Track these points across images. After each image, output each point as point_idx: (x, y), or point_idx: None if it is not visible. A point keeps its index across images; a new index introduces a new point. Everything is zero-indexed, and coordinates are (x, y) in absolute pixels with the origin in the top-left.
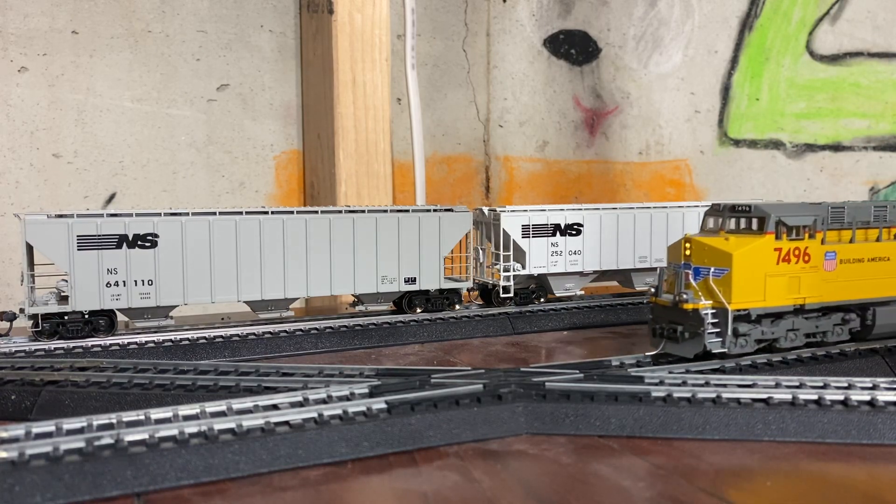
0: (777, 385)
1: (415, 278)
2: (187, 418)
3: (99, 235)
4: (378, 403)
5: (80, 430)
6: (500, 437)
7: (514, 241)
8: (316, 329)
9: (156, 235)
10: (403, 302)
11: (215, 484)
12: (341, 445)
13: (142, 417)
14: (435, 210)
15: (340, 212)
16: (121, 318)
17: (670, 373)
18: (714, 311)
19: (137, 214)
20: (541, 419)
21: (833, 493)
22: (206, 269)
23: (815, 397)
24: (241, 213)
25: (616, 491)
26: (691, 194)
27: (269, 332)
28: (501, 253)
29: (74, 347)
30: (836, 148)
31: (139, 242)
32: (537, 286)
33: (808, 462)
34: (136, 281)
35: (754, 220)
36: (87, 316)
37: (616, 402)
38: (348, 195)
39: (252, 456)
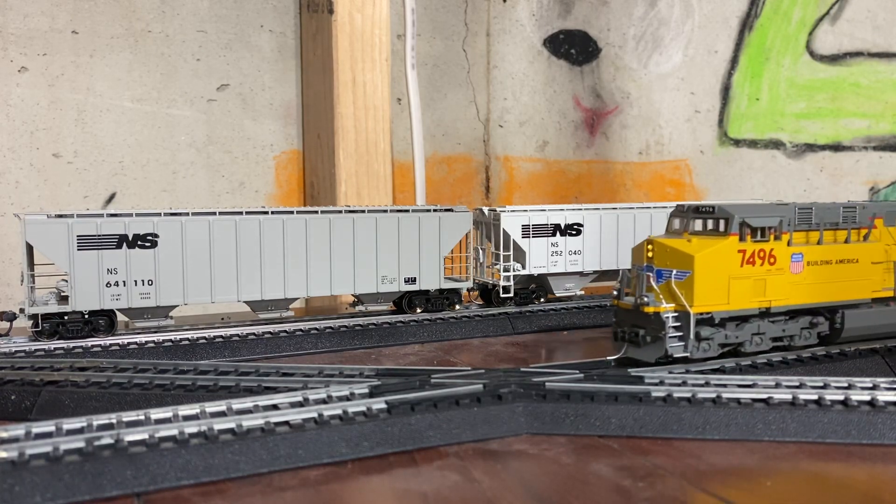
0: (777, 385)
1: (415, 278)
2: (187, 418)
3: (99, 235)
4: (378, 403)
5: (80, 430)
6: (500, 437)
7: (514, 241)
8: (316, 329)
9: (156, 235)
10: (403, 302)
11: (215, 484)
12: (341, 445)
13: (142, 417)
14: (435, 210)
15: (340, 212)
16: (121, 318)
17: (670, 373)
18: (676, 314)
19: (137, 214)
20: (541, 419)
21: (833, 493)
22: (206, 269)
23: (815, 397)
24: (241, 213)
25: (616, 491)
26: (691, 194)
27: (269, 332)
28: (501, 253)
29: (74, 347)
30: (836, 148)
31: (139, 242)
32: (537, 286)
33: (808, 462)
34: (136, 281)
35: (718, 222)
36: (86, 316)
37: (616, 402)
38: (348, 195)
39: (252, 456)
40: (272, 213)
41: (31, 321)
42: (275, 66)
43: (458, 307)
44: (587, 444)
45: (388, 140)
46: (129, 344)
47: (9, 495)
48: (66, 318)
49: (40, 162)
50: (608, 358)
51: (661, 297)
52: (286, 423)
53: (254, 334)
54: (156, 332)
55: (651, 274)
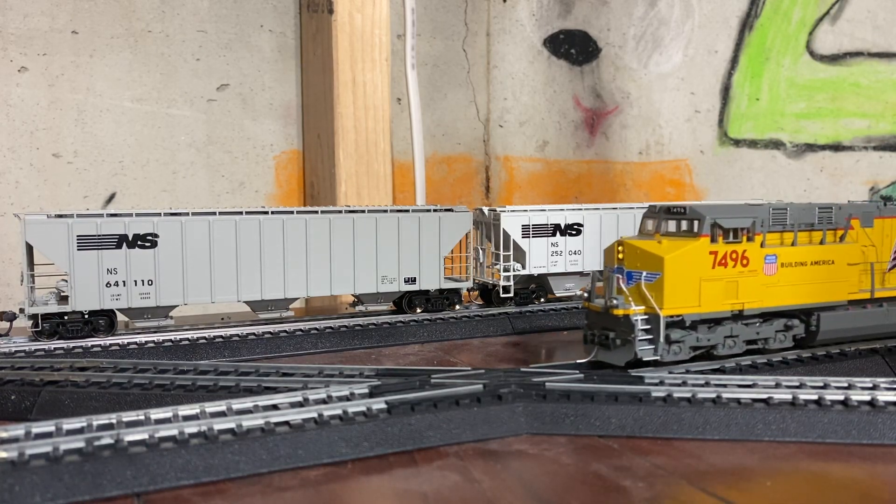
0: (777, 385)
1: (415, 278)
2: (187, 418)
3: (99, 235)
4: (378, 403)
5: (80, 431)
6: (500, 437)
7: (514, 241)
8: (316, 329)
9: (156, 235)
10: (403, 302)
11: (215, 484)
12: (341, 445)
13: (142, 417)
14: (435, 210)
15: (340, 212)
16: (121, 318)
17: (670, 373)
18: (646, 317)
19: (137, 214)
20: (541, 419)
21: (833, 493)
22: (206, 269)
23: (815, 397)
24: (240, 213)
25: (616, 491)
26: (691, 194)
27: (269, 332)
28: (501, 253)
29: (74, 347)
30: (837, 148)
31: (139, 242)
32: (537, 286)
33: (808, 462)
34: (135, 281)
35: (689, 223)
36: (86, 316)
37: (616, 402)
38: (348, 195)
39: (252, 456)
40: (272, 213)
41: (31, 321)
42: (275, 66)
43: (458, 307)
44: (587, 444)
45: (388, 140)
46: (129, 344)
47: (9, 495)
48: (65, 318)
49: (40, 162)
50: (577, 361)
51: (630, 299)
52: (286, 423)
53: (254, 334)
54: (156, 332)
55: (621, 276)
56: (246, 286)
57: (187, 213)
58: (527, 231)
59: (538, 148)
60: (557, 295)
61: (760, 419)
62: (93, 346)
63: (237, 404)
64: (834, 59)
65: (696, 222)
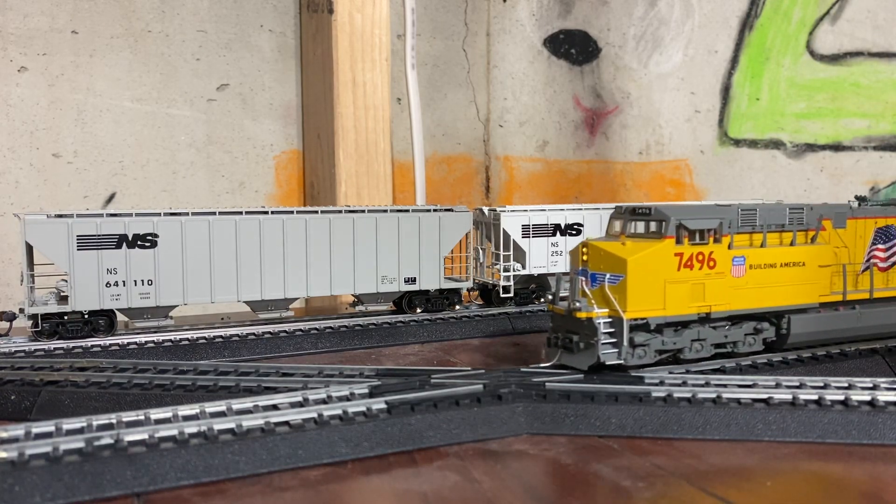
0: (777, 385)
1: (415, 278)
2: (187, 418)
3: (99, 235)
4: (378, 404)
5: (80, 431)
6: (500, 438)
7: (514, 241)
8: (316, 329)
9: (155, 235)
10: (403, 302)
11: (215, 484)
12: (341, 445)
13: (141, 418)
14: (435, 210)
15: (340, 212)
16: (120, 318)
17: (670, 373)
18: (610, 319)
19: (137, 214)
20: (541, 419)
21: (833, 493)
22: (206, 269)
23: (815, 397)
24: (240, 213)
25: (616, 491)
26: (691, 194)
27: (269, 333)
28: (501, 253)
29: (74, 347)
30: (837, 148)
31: (139, 242)
32: (537, 286)
33: (808, 462)
34: (135, 281)
35: (654, 224)
36: (86, 316)
37: (616, 402)
38: (348, 195)
39: (252, 456)
40: (272, 213)
41: (31, 321)
42: (275, 66)
43: (458, 307)
44: (587, 445)
45: (388, 140)
46: (128, 344)
47: (9, 495)
48: (65, 318)
49: (40, 162)
50: (540, 365)
51: (593, 301)
52: (286, 423)
53: (254, 334)
54: (156, 332)
55: (585, 278)
56: (246, 286)
57: (187, 213)
58: (527, 231)
59: (538, 148)
60: None
61: (760, 419)
62: (92, 346)
63: (237, 404)
64: (834, 58)
65: (660, 223)
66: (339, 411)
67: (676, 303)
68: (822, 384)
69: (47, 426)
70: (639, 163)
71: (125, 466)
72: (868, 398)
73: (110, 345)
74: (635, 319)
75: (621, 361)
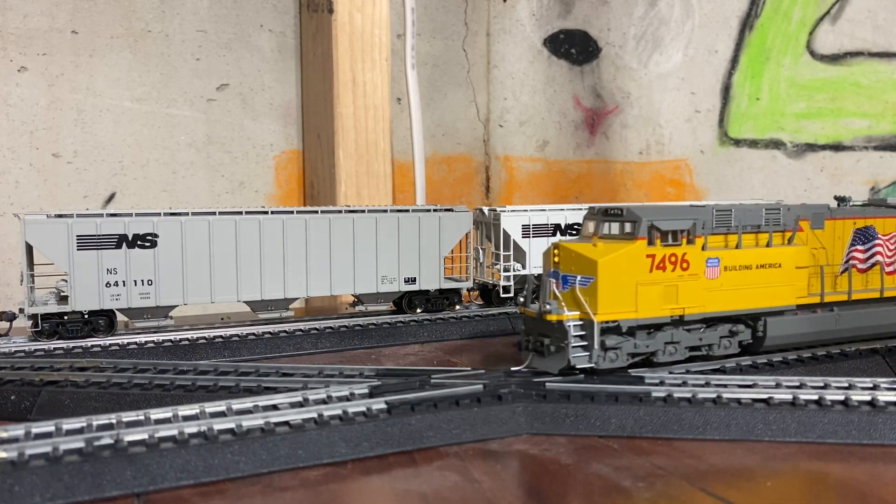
0: (777, 385)
1: (415, 278)
2: (187, 418)
3: (98, 235)
4: (378, 404)
5: (80, 431)
6: (500, 438)
7: (514, 241)
8: (316, 329)
9: (155, 235)
10: (403, 302)
11: (215, 484)
12: (341, 446)
13: (141, 418)
14: (435, 210)
15: (340, 212)
16: (120, 318)
17: (671, 373)
18: (581, 322)
19: (137, 214)
20: (541, 419)
21: (833, 493)
22: (206, 269)
23: (815, 397)
24: (240, 213)
25: (616, 491)
26: (692, 194)
27: (269, 333)
28: (501, 253)
29: (74, 347)
30: (837, 148)
31: (139, 242)
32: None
33: (808, 462)
34: (135, 281)
35: (626, 225)
36: (86, 316)
37: (616, 402)
38: (348, 195)
39: (252, 456)
40: (272, 213)
41: (31, 321)
42: (275, 65)
43: (458, 307)
44: (587, 445)
45: (388, 140)
46: (128, 344)
47: (8, 496)
48: (65, 318)
49: (40, 162)
50: (511, 369)
51: (563, 304)
52: (286, 423)
53: (254, 334)
54: (155, 333)
55: (556, 280)
56: (246, 286)
57: (187, 213)
58: (527, 231)
59: (538, 148)
60: None
61: (761, 419)
62: (92, 346)
63: (237, 404)
64: (834, 58)
65: (632, 225)
66: (339, 411)
67: (649, 305)
68: (822, 384)
69: (47, 426)
70: (639, 163)
71: (125, 466)
72: (868, 398)
73: (110, 345)
74: (606, 322)
75: (592, 365)
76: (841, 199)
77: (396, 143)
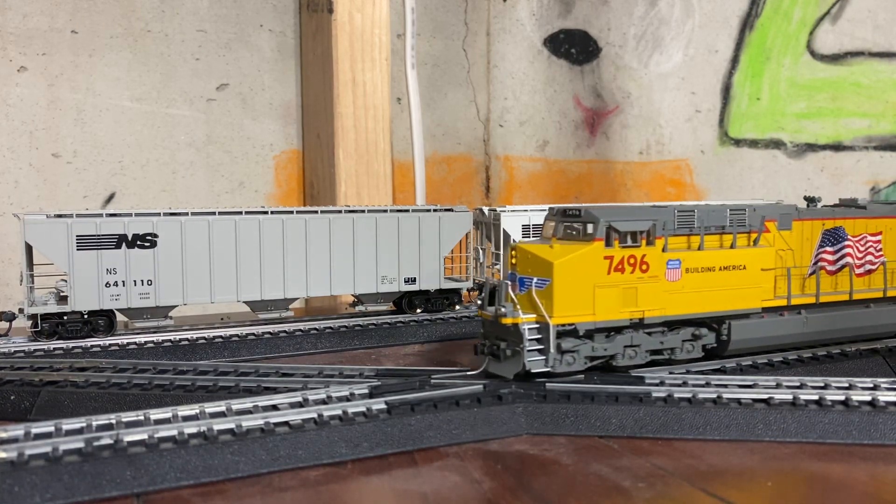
0: (778, 385)
1: (415, 278)
2: (187, 419)
3: (98, 235)
4: (378, 404)
5: (80, 431)
6: (500, 438)
7: (514, 240)
8: (316, 329)
9: (155, 235)
10: (403, 302)
11: (215, 484)
12: (341, 446)
13: (141, 418)
14: (435, 210)
15: (340, 212)
16: (120, 318)
17: (671, 373)
18: (537, 325)
19: (137, 214)
20: (541, 419)
21: (834, 493)
22: (206, 269)
23: (815, 397)
24: (240, 212)
25: (616, 491)
26: (692, 194)
27: (269, 333)
28: (501, 253)
29: (73, 348)
30: (837, 148)
31: (138, 242)
32: None
33: (808, 462)
34: (135, 281)
35: (584, 226)
36: (86, 316)
37: (616, 402)
38: (348, 195)
39: (251, 456)
40: (272, 212)
41: (31, 321)
42: (274, 65)
43: (458, 307)
44: (587, 445)
45: (388, 140)
46: (128, 344)
47: (8, 496)
48: (65, 318)
49: (39, 162)
50: (467, 372)
51: (518, 306)
52: (286, 423)
53: (253, 334)
54: (155, 333)
55: (512, 282)
56: (245, 286)
57: (187, 213)
58: (527, 231)
59: (538, 148)
60: None
61: (761, 419)
62: (92, 347)
63: (237, 405)
64: (834, 58)
65: (590, 226)
66: (339, 411)
67: (607, 308)
68: (822, 384)
69: (47, 426)
70: (639, 162)
71: (125, 467)
72: (868, 398)
73: (110, 345)
74: (563, 325)
75: (548, 369)
76: (810, 200)
77: (396, 143)
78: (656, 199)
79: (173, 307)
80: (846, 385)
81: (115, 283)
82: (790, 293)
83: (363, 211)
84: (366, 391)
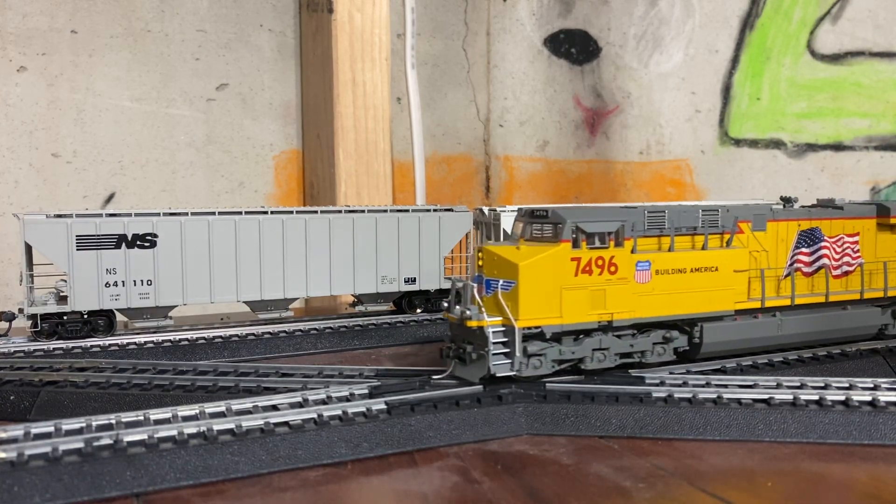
0: (778, 385)
1: (415, 278)
2: (186, 419)
3: (98, 235)
4: (378, 404)
5: (80, 431)
6: (500, 438)
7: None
8: (315, 329)
9: (155, 235)
10: (403, 302)
11: (214, 485)
12: (341, 446)
13: (141, 418)
14: (435, 210)
15: (340, 212)
16: (120, 318)
17: (671, 373)
18: (503, 328)
19: (136, 214)
20: (541, 420)
21: (834, 493)
22: (206, 269)
23: (816, 398)
24: (240, 212)
25: (616, 492)
26: (692, 194)
27: (269, 333)
28: None
29: (73, 348)
30: (837, 148)
31: (138, 242)
32: None
33: (809, 463)
34: (135, 281)
35: (551, 227)
36: (86, 316)
37: (617, 402)
38: (348, 195)
39: (251, 457)
40: (272, 212)
41: (30, 321)
42: (274, 65)
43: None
44: (587, 445)
45: (387, 140)
46: (128, 344)
47: (8, 496)
48: (64, 318)
49: (39, 162)
50: (432, 377)
51: (483, 309)
52: (286, 423)
53: (253, 335)
54: (155, 333)
55: (479, 284)
56: (245, 286)
57: (186, 213)
58: None
59: (538, 148)
60: None
61: (761, 419)
62: (92, 347)
63: (236, 405)
64: (835, 58)
65: (557, 227)
66: (339, 412)
67: (574, 310)
68: (822, 384)
69: (46, 427)
70: (639, 162)
71: (124, 467)
72: (869, 398)
73: (109, 345)
74: (529, 328)
75: (514, 373)
76: (786, 200)
77: (396, 142)
78: (656, 199)
79: (173, 307)
80: (846, 385)
81: (115, 283)
82: (764, 295)
83: (363, 211)
84: (366, 391)
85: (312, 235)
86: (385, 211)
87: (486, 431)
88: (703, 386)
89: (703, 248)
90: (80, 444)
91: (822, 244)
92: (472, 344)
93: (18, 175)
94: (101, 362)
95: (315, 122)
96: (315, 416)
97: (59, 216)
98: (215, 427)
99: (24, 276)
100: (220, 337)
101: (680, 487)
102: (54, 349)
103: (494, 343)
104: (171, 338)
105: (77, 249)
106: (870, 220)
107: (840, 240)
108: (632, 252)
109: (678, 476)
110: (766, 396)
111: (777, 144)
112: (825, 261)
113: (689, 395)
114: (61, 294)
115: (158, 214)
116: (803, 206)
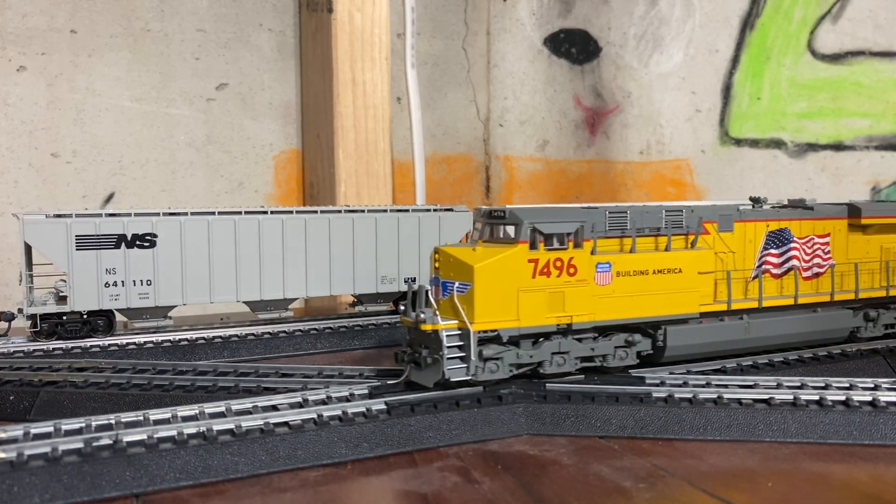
0: (778, 385)
1: (415, 278)
2: (186, 419)
3: (97, 235)
4: (378, 404)
5: (79, 431)
6: (500, 438)
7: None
8: (315, 329)
9: (154, 235)
10: None
11: (214, 485)
12: (341, 446)
13: (140, 418)
14: (435, 210)
15: (340, 212)
16: (119, 318)
17: (671, 373)
18: (459, 332)
19: (136, 214)
20: (541, 420)
21: (834, 493)
22: (205, 269)
23: (816, 398)
24: (240, 212)
25: (617, 492)
26: (692, 194)
27: (269, 333)
28: None
29: (73, 348)
30: (838, 147)
31: (138, 242)
32: None
33: (809, 463)
34: (134, 281)
35: (508, 228)
36: (85, 316)
37: (617, 402)
38: (348, 195)
39: (251, 457)
40: (271, 212)
41: (30, 321)
42: (274, 65)
43: None
44: (588, 445)
45: (387, 140)
46: (127, 344)
47: (7, 496)
48: (64, 318)
49: (39, 161)
50: (388, 382)
51: (438, 312)
52: (285, 423)
53: (253, 335)
54: (155, 333)
55: (435, 287)
56: (245, 286)
57: (186, 213)
58: None
59: (538, 147)
60: None
61: (761, 420)
62: (91, 347)
63: (236, 405)
64: (835, 58)
65: (514, 227)
66: (339, 412)
67: (532, 313)
68: (823, 385)
69: (46, 427)
70: (639, 162)
71: (124, 467)
72: (869, 399)
73: (109, 345)
74: (485, 331)
75: (469, 377)
76: (755, 201)
77: (396, 142)
78: (657, 199)
79: (173, 307)
80: (847, 385)
81: (115, 283)
82: (731, 297)
83: (363, 211)
84: (365, 391)
85: (312, 235)
86: (385, 211)
87: (486, 432)
88: (703, 386)
89: (667, 249)
90: (80, 445)
91: (792, 245)
92: (427, 348)
93: (18, 175)
94: (101, 362)
95: (315, 122)
96: (315, 416)
97: (59, 216)
98: (215, 427)
99: (23, 276)
100: (220, 337)
101: (680, 487)
102: (54, 349)
103: (449, 347)
104: (171, 338)
105: (76, 249)
106: (841, 220)
107: (810, 241)
108: (591, 253)
109: (678, 476)
110: (766, 396)
111: (777, 144)
112: (795, 262)
113: (690, 396)
114: (61, 294)
115: (158, 214)
116: (773, 207)
